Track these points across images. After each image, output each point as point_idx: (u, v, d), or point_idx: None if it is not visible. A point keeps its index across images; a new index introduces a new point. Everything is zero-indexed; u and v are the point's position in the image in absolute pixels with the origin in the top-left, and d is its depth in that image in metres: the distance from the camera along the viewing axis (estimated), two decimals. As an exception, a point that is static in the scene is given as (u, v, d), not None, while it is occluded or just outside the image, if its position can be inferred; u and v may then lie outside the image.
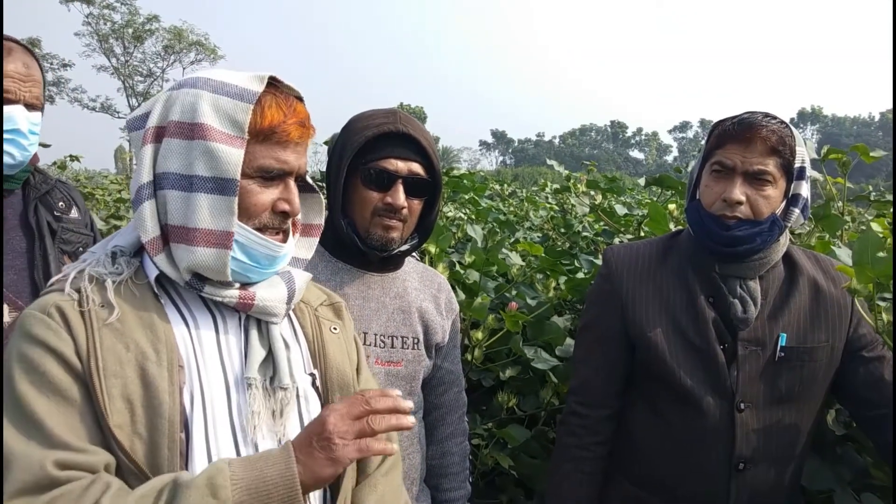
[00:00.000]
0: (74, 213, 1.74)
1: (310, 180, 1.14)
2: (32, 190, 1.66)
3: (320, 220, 1.19)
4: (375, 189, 1.45)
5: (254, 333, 1.04)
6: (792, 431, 1.42)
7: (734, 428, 1.38)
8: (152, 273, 1.01)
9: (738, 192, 1.37)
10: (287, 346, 1.07)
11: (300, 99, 1.07)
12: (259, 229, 1.02)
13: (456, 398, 1.70)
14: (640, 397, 1.54)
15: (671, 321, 1.46)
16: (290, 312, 1.16)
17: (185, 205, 0.97)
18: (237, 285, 1.03)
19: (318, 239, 1.20)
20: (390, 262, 1.57)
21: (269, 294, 1.04)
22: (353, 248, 1.50)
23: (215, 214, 0.96)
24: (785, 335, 1.41)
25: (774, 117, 1.38)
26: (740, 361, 1.40)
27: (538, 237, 3.73)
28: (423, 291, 1.62)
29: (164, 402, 0.90)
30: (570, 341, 2.17)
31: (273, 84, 1.04)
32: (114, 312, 0.94)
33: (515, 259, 2.58)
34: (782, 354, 1.40)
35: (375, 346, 1.49)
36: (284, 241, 1.06)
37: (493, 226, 3.55)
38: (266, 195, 1.02)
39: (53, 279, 1.00)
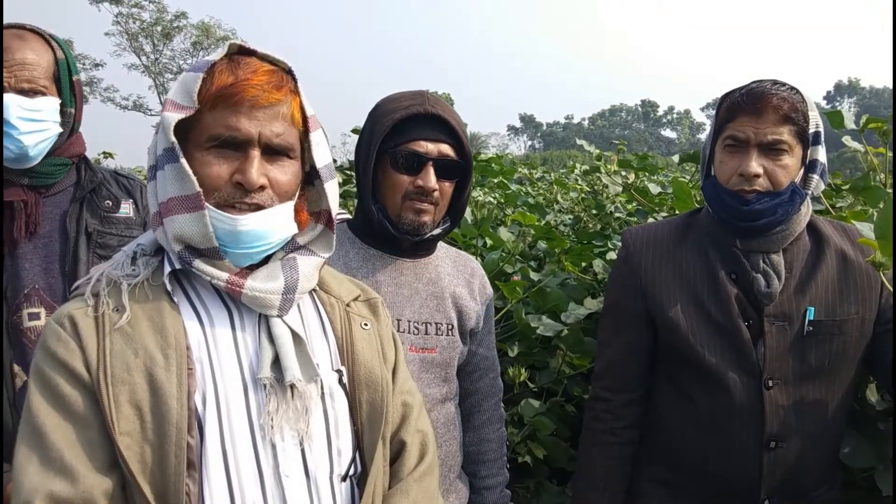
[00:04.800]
0: (125, 211, 1.66)
1: (320, 165, 1.07)
2: (79, 188, 1.61)
3: (325, 205, 1.11)
4: (406, 172, 1.43)
5: (265, 330, 1.01)
6: (823, 407, 1.39)
7: (763, 405, 1.36)
8: (167, 270, 1.00)
9: (755, 164, 1.35)
10: (301, 340, 1.01)
11: (288, 71, 1.02)
12: (221, 205, 0.97)
13: (492, 384, 1.69)
14: (665, 379, 1.53)
15: (693, 300, 1.44)
16: (320, 307, 1.13)
17: (162, 180, 0.98)
18: (235, 270, 1.00)
19: (334, 235, 1.13)
20: (422, 247, 1.56)
21: (262, 285, 1.00)
22: (384, 234, 1.48)
23: (177, 181, 0.96)
24: (813, 308, 1.38)
25: (784, 84, 1.36)
26: (767, 337, 1.38)
27: (569, 219, 3.69)
28: (457, 276, 1.60)
29: (172, 408, 0.89)
30: (574, 306, 2.14)
31: (254, 56, 1.01)
32: (125, 316, 0.94)
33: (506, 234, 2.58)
34: (810, 328, 1.37)
35: (409, 332, 1.47)
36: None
37: (524, 209, 3.52)
38: (221, 167, 0.97)
39: (79, 282, 1.00)
